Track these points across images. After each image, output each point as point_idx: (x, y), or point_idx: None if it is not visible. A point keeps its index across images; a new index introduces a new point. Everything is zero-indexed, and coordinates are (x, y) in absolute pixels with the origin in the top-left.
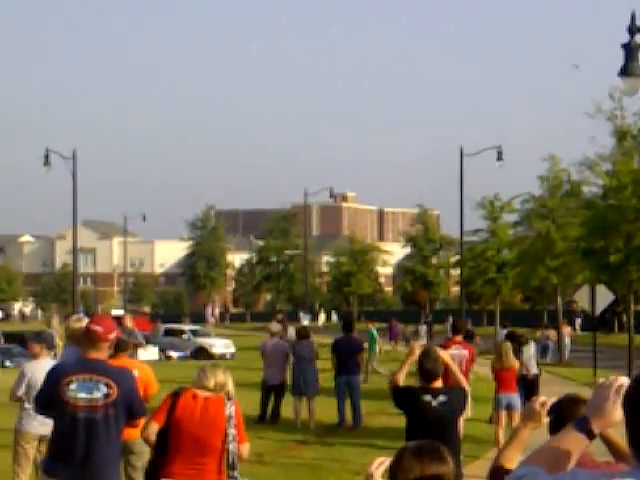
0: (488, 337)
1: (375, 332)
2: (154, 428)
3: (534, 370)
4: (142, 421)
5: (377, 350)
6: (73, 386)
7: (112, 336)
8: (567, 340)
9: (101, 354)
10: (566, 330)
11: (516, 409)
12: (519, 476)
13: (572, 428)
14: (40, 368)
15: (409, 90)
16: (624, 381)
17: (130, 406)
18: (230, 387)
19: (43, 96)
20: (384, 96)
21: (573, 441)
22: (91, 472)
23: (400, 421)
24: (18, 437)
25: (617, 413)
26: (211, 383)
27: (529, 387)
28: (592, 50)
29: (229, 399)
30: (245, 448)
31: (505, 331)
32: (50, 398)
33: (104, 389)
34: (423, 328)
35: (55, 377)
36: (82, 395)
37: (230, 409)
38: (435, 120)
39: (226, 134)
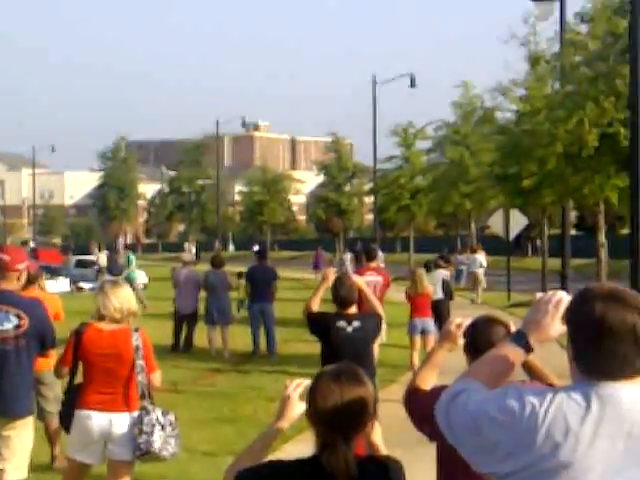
0: (402, 264)
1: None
2: (64, 371)
3: (438, 295)
4: (53, 352)
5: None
6: None
7: (21, 266)
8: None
9: (11, 284)
10: (481, 254)
11: (430, 333)
12: (457, 391)
13: (509, 343)
14: None
15: (320, 19)
16: (563, 296)
17: (42, 337)
18: (133, 307)
19: None
20: (298, 23)
21: (510, 355)
22: (3, 404)
23: (315, 348)
24: None
25: (555, 327)
26: (111, 310)
27: (436, 312)
28: None
29: (136, 330)
30: (156, 376)
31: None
32: None
33: (15, 320)
34: (348, 256)
35: None
36: None
37: (137, 340)
38: (348, 48)
39: (138, 61)
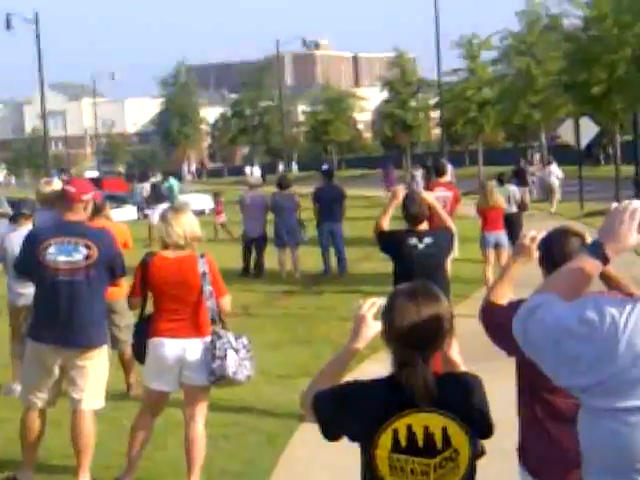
0: (471, 178)
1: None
2: (136, 302)
3: (512, 209)
4: (123, 280)
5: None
6: (52, 249)
7: (87, 197)
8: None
9: (78, 215)
10: (555, 166)
11: (504, 247)
12: (536, 304)
13: (585, 254)
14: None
15: None
16: (639, 205)
17: (111, 266)
18: (197, 232)
19: None
20: None
21: (587, 267)
22: (77, 334)
23: (386, 267)
24: (9, 307)
25: (632, 237)
26: (174, 237)
27: (509, 226)
28: None
29: (202, 256)
30: (226, 301)
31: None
32: (29, 263)
33: (84, 251)
34: (419, 172)
35: (33, 241)
36: (62, 258)
37: (204, 266)
38: None
39: None
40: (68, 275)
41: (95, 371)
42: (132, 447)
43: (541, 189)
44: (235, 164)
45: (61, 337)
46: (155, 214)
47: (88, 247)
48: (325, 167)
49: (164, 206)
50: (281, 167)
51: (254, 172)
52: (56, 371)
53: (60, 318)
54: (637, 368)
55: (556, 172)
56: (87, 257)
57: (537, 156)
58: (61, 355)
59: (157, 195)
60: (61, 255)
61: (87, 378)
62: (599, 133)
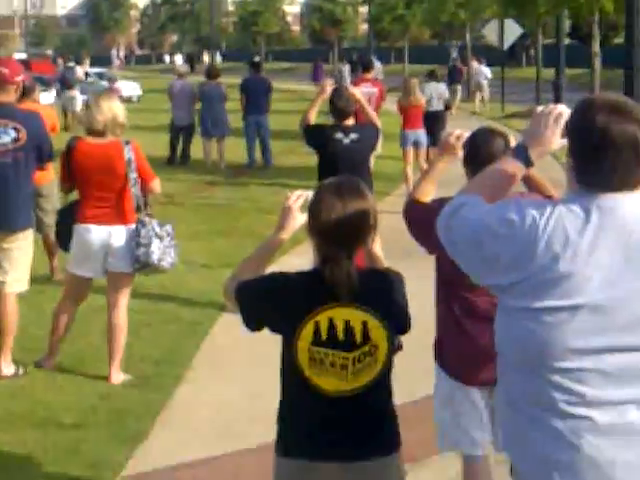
0: (396, 74)
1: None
2: (67, 187)
3: (436, 107)
4: (50, 164)
5: None
6: None
7: (19, 78)
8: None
9: (8, 97)
10: (474, 64)
11: (423, 145)
12: (459, 204)
13: (509, 157)
14: None
15: None
16: (563, 109)
17: (39, 149)
18: (121, 118)
19: None
20: None
21: (511, 169)
22: (3, 217)
23: (311, 160)
24: None
25: (555, 140)
26: (99, 123)
27: (432, 123)
28: None
29: (127, 143)
30: (155, 184)
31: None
32: None
33: (12, 133)
34: (347, 67)
35: None
36: None
37: (129, 153)
38: None
39: None
40: None
41: (20, 254)
42: (54, 332)
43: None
44: (164, 51)
45: None
46: (62, 100)
47: (17, 130)
48: (257, 59)
49: (73, 93)
50: (206, 57)
51: (176, 61)
52: None
53: None
54: (554, 269)
55: (485, 72)
56: (16, 140)
57: (454, 54)
58: None
59: (65, 81)
60: None
61: (12, 261)
62: (522, 35)
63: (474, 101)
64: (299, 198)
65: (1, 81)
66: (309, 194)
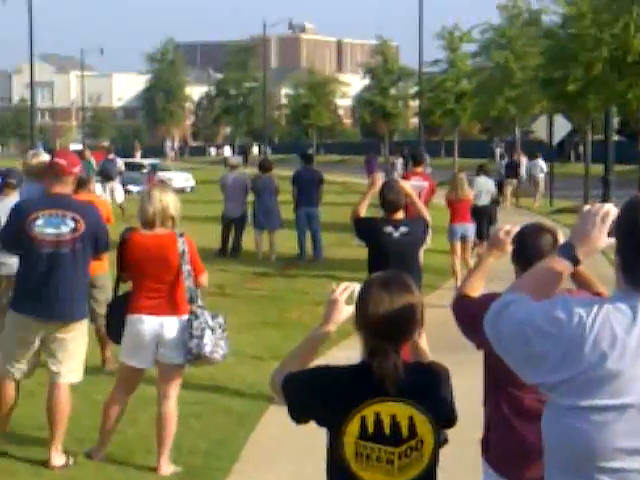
0: (446, 168)
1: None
2: (124, 277)
3: (484, 202)
4: (105, 255)
5: None
6: (40, 222)
7: (76, 170)
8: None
9: (66, 188)
10: (524, 159)
11: (470, 239)
12: (507, 302)
13: (557, 255)
14: (5, 207)
15: None
16: (610, 208)
17: (96, 240)
18: (172, 210)
19: None
20: None
21: (558, 268)
22: (60, 307)
23: (361, 253)
24: None
25: (602, 239)
26: (149, 214)
27: (480, 217)
28: None
29: (181, 235)
30: (204, 278)
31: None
32: (15, 235)
33: (71, 224)
34: (399, 161)
35: (20, 213)
36: (49, 230)
37: (183, 245)
38: None
39: None
40: (54, 247)
41: (75, 345)
42: (105, 422)
43: (528, 182)
44: (217, 143)
45: (44, 310)
46: (105, 191)
47: (75, 220)
48: (309, 152)
49: (113, 184)
50: (255, 149)
51: (224, 152)
52: (36, 343)
53: (44, 290)
54: (602, 368)
55: (541, 166)
56: (74, 230)
57: (497, 151)
58: (43, 327)
59: (106, 173)
60: (48, 227)
61: (67, 351)
62: (571, 131)
63: (535, 195)
64: (345, 290)
65: (59, 173)
66: (355, 286)
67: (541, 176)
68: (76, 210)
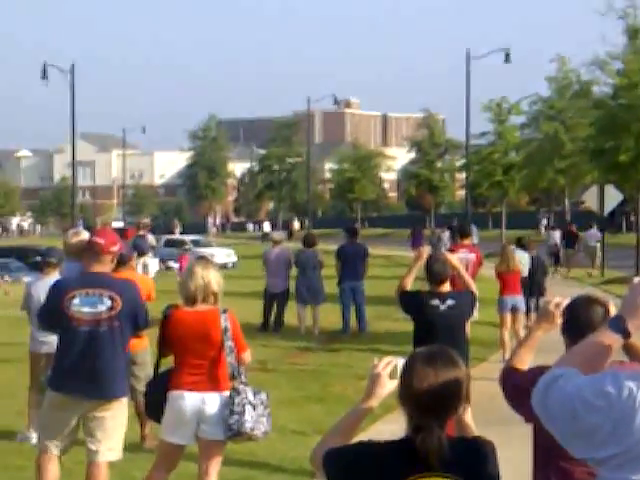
0: (493, 240)
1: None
2: (165, 353)
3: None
4: (146, 332)
5: None
6: (76, 300)
7: (115, 249)
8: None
9: (104, 267)
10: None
11: (520, 311)
12: (555, 376)
13: (606, 328)
14: (46, 286)
15: None
16: None
17: (134, 318)
18: (214, 286)
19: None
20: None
21: (608, 341)
22: (99, 386)
23: (406, 326)
24: (29, 356)
25: None
26: (191, 290)
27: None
28: None
29: (224, 311)
30: (247, 355)
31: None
32: (53, 313)
33: (108, 302)
34: (446, 234)
35: (58, 292)
36: (86, 309)
37: (226, 321)
38: (440, 23)
39: (226, 44)
40: (92, 326)
41: (114, 423)
42: None
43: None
44: (260, 219)
45: (83, 388)
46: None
47: (112, 299)
48: (354, 225)
49: (144, 259)
50: (296, 224)
51: (264, 228)
52: (74, 421)
53: (82, 369)
54: None
55: (597, 236)
56: (111, 308)
57: (544, 221)
58: (81, 406)
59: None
60: (85, 306)
61: (106, 430)
62: (623, 201)
63: (593, 264)
64: (387, 365)
65: (97, 252)
66: (398, 360)
67: (597, 245)
68: (113, 288)
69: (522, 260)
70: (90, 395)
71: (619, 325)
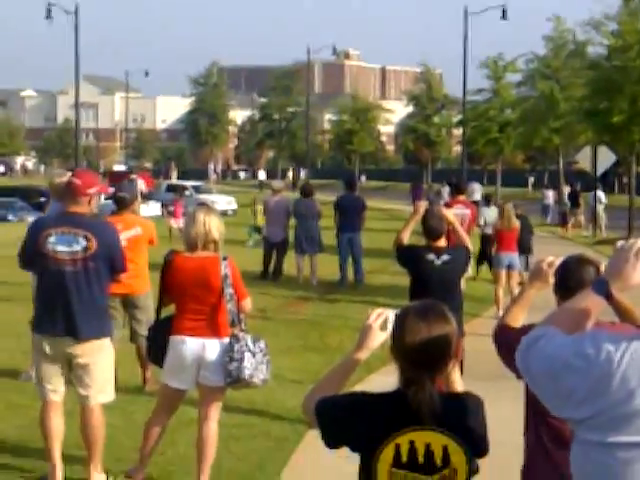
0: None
1: None
2: (166, 300)
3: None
4: (146, 276)
5: None
6: (52, 239)
7: (92, 190)
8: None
9: (81, 208)
10: (566, 189)
11: (516, 268)
12: (537, 336)
13: (590, 290)
14: None
15: None
16: None
17: (111, 260)
18: (215, 234)
19: None
20: None
21: (591, 303)
22: (72, 325)
23: (402, 279)
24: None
25: (636, 275)
26: (192, 237)
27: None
28: None
29: (224, 258)
30: (247, 303)
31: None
32: (31, 252)
33: (83, 242)
34: (446, 189)
35: (35, 230)
36: (61, 248)
37: (226, 268)
38: None
39: None
40: (66, 265)
41: (100, 366)
42: (145, 443)
43: (557, 214)
44: (260, 167)
45: (60, 328)
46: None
47: (87, 239)
48: (353, 178)
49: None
50: (290, 173)
51: (259, 176)
52: (60, 363)
53: (58, 309)
54: (629, 404)
55: (600, 197)
56: (86, 249)
57: (531, 179)
58: (61, 346)
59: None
60: (60, 244)
61: (92, 373)
62: (616, 162)
63: (598, 226)
64: (379, 316)
65: (74, 192)
66: (389, 313)
67: (600, 207)
68: (89, 229)
69: (492, 214)
70: (67, 335)
71: (602, 287)
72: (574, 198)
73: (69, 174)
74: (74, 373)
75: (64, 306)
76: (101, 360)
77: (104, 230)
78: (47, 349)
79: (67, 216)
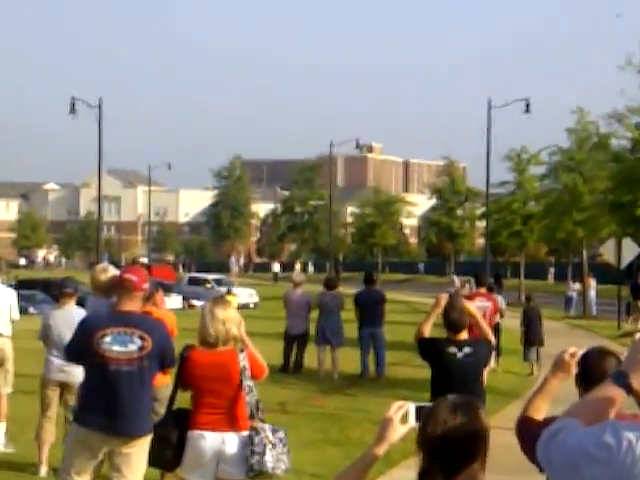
0: (512, 290)
1: None
2: (181, 390)
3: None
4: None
5: None
6: (108, 339)
7: (146, 286)
8: (592, 293)
9: (135, 305)
10: (590, 283)
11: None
12: (558, 428)
13: (610, 382)
14: (63, 315)
15: (437, 41)
16: None
17: (163, 357)
18: (234, 330)
19: (70, 45)
20: (412, 48)
21: (611, 395)
22: (127, 423)
23: (423, 372)
24: (41, 383)
25: None
26: (211, 337)
27: None
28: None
29: (241, 351)
30: (264, 373)
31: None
32: (83, 349)
33: (138, 342)
34: (471, 281)
35: (89, 329)
36: (117, 348)
37: (244, 361)
38: (462, 72)
39: (252, 86)
40: (122, 365)
41: (139, 459)
42: None
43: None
44: (282, 260)
45: (110, 425)
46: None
47: (143, 338)
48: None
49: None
50: (297, 266)
51: (274, 269)
52: (100, 456)
53: (110, 406)
54: None
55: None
56: (141, 348)
57: (551, 271)
58: (107, 442)
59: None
60: (116, 345)
61: (131, 466)
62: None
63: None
64: (400, 409)
65: (129, 289)
66: (410, 405)
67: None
68: (144, 328)
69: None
70: (116, 432)
71: (622, 379)
72: (638, 290)
73: (112, 269)
74: (112, 463)
75: (117, 403)
76: (143, 454)
77: (158, 329)
78: (92, 444)
79: (122, 315)
